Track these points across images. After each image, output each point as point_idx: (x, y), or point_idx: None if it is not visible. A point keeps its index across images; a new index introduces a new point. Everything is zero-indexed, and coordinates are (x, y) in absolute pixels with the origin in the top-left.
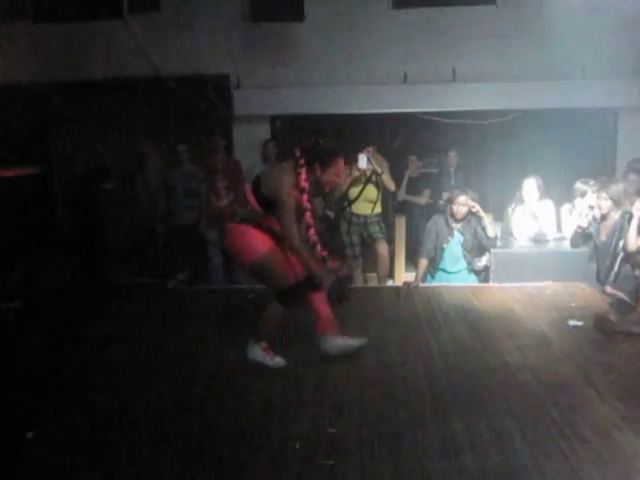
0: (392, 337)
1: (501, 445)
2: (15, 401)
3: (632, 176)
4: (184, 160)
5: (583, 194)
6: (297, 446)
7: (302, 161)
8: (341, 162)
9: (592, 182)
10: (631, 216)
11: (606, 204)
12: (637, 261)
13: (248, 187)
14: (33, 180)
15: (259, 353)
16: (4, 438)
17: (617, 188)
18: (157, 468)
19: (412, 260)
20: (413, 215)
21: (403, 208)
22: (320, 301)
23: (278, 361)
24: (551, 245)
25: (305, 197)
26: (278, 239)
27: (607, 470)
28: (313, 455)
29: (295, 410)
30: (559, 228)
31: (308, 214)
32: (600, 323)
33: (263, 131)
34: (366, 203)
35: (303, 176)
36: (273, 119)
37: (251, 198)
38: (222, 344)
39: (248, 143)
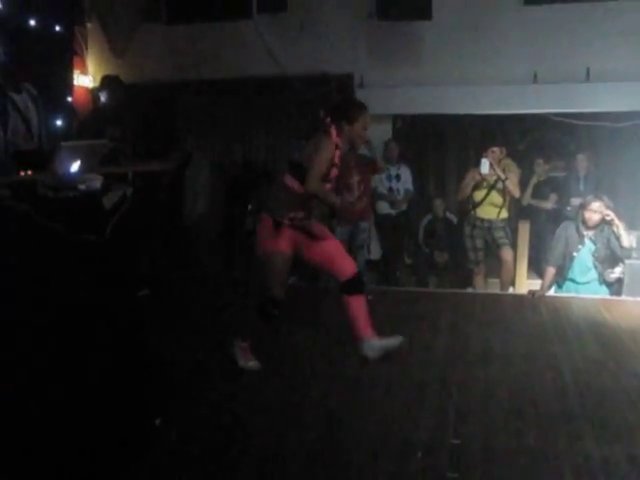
0: (518, 348)
1: (637, 473)
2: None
3: None
4: None
5: None
6: (419, 456)
7: (329, 120)
8: (366, 114)
9: None
10: None
11: None
12: None
13: (287, 172)
14: (169, 173)
15: (237, 351)
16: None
17: None
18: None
19: (535, 267)
20: (538, 220)
21: (527, 213)
22: (358, 305)
23: (253, 364)
24: None
25: (338, 153)
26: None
27: None
28: (435, 466)
29: (417, 419)
30: None
31: (335, 170)
32: None
33: (385, 131)
34: (491, 207)
35: (334, 134)
36: (395, 119)
37: (290, 181)
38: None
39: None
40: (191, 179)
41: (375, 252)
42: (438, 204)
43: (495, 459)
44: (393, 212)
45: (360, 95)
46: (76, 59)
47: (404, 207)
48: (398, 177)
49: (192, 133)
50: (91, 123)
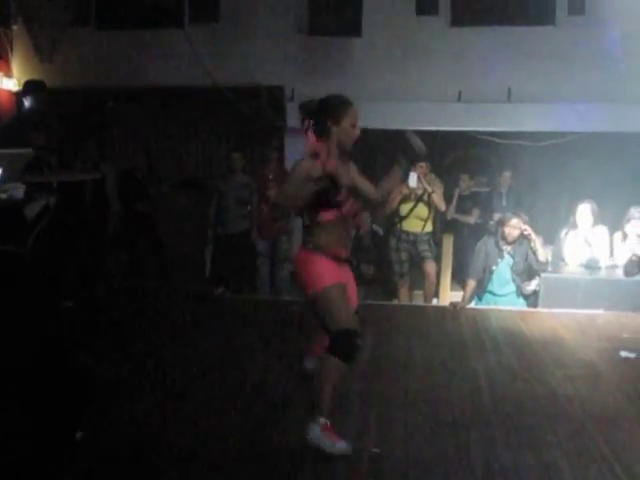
0: (437, 358)
1: (548, 476)
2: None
3: None
4: (237, 168)
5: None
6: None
7: (307, 124)
8: (353, 109)
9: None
10: None
11: None
12: None
13: None
14: (93, 183)
15: (318, 433)
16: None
17: None
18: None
19: (458, 279)
20: (461, 234)
21: (451, 227)
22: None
23: (341, 447)
24: (603, 272)
25: (323, 163)
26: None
27: None
28: (355, 476)
29: (340, 429)
30: (612, 255)
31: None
32: None
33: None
34: (417, 220)
35: (312, 140)
36: None
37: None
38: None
39: (299, 155)
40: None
41: None
42: (365, 217)
43: (415, 466)
44: None
45: (291, 108)
46: (0, 62)
47: None
48: None
49: (117, 139)
50: (14, 129)
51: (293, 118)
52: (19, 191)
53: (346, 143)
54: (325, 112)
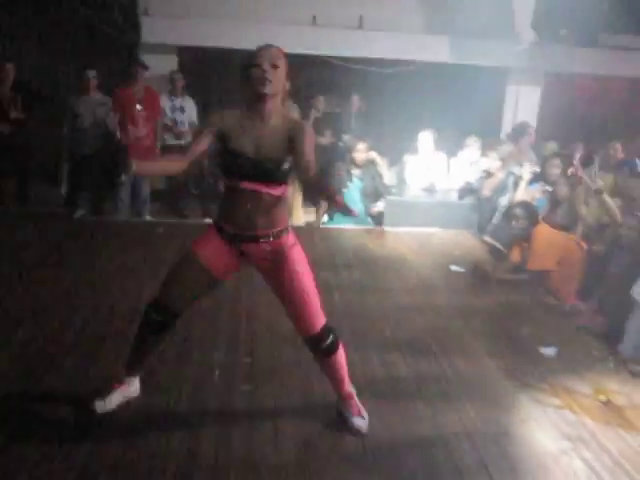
0: None
1: (390, 374)
2: None
3: (523, 141)
4: (92, 87)
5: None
6: (217, 374)
7: None
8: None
9: (475, 139)
10: (517, 178)
11: (494, 164)
12: (513, 214)
13: None
14: None
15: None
16: None
17: (505, 150)
18: None
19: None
20: (315, 155)
21: None
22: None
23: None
24: (440, 195)
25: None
26: None
27: (474, 391)
28: (231, 382)
29: (213, 344)
30: (447, 179)
31: None
32: (477, 270)
33: (170, 62)
34: None
35: None
36: (180, 50)
37: None
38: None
39: (156, 73)
40: None
41: (160, 182)
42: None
43: (280, 372)
44: (179, 143)
45: (145, 23)
46: None
47: (188, 138)
48: (182, 109)
49: None
50: None
51: (147, 34)
52: None
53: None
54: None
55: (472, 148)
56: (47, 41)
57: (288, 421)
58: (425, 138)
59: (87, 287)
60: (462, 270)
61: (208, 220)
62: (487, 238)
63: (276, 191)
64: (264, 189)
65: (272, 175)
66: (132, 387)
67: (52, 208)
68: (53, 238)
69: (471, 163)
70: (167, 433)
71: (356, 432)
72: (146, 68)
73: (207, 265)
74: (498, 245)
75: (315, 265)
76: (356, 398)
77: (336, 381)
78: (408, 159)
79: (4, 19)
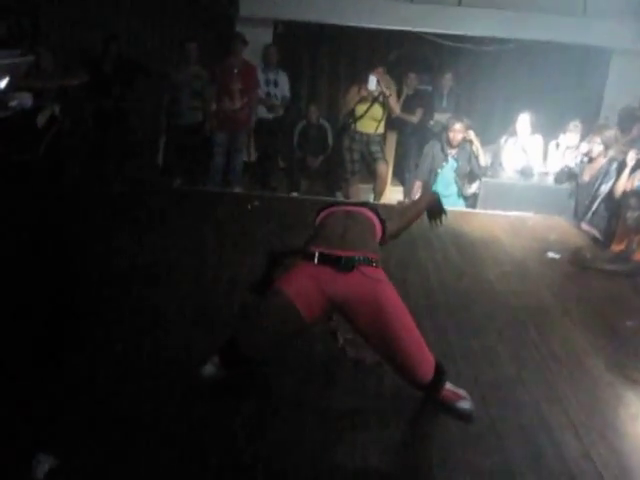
0: (392, 255)
1: (489, 358)
2: None
3: (636, 129)
4: (192, 59)
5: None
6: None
7: None
8: None
9: (576, 124)
10: (621, 164)
11: (597, 148)
12: (627, 204)
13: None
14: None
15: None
16: None
17: (610, 135)
18: None
19: (398, 176)
20: (404, 133)
21: (395, 125)
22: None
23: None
24: (536, 179)
25: None
26: None
27: (577, 383)
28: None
29: None
30: (545, 162)
31: None
32: (575, 258)
33: (265, 35)
34: (371, 121)
35: None
36: (276, 23)
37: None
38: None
39: (249, 46)
40: None
41: (251, 155)
42: (312, 110)
43: None
44: (270, 117)
45: None
46: None
47: (280, 112)
48: (276, 83)
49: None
50: None
51: (245, 7)
52: (27, 100)
53: None
54: None
55: (573, 133)
56: (147, 14)
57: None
58: (524, 120)
59: (190, 256)
60: (558, 257)
61: (295, 194)
62: (585, 226)
63: None
64: None
65: None
66: None
67: (150, 177)
68: (155, 207)
69: (569, 147)
70: None
71: (463, 414)
72: (246, 43)
73: None
74: (596, 233)
75: (412, 246)
76: (449, 386)
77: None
78: (505, 141)
79: None
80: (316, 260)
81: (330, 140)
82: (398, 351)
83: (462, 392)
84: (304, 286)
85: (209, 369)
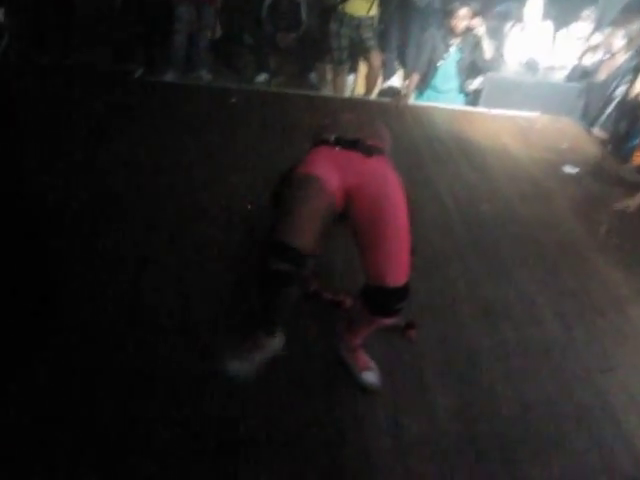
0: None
1: (531, 314)
2: None
3: None
4: None
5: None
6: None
7: None
8: None
9: (590, 12)
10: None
11: (619, 44)
12: None
13: None
14: None
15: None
16: None
17: (637, 28)
18: None
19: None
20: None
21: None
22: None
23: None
24: (542, 74)
25: None
26: None
27: (630, 345)
28: None
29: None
30: (552, 56)
31: None
32: (598, 170)
33: None
34: (361, 2)
35: None
36: None
37: None
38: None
39: None
40: None
41: (216, 32)
42: None
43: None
44: None
45: None
46: None
47: None
48: None
49: None
50: None
51: None
52: None
53: None
54: None
55: (586, 22)
56: None
57: None
58: (535, 2)
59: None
60: (576, 170)
61: (264, 75)
62: (597, 131)
63: None
64: None
65: None
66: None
67: (105, 65)
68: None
69: (580, 39)
70: None
71: (366, 386)
72: None
73: None
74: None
75: (417, 156)
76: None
77: (357, 334)
78: (511, 27)
79: None
80: (335, 144)
81: (304, 16)
82: (380, 245)
83: (372, 364)
84: (329, 170)
85: (235, 364)
